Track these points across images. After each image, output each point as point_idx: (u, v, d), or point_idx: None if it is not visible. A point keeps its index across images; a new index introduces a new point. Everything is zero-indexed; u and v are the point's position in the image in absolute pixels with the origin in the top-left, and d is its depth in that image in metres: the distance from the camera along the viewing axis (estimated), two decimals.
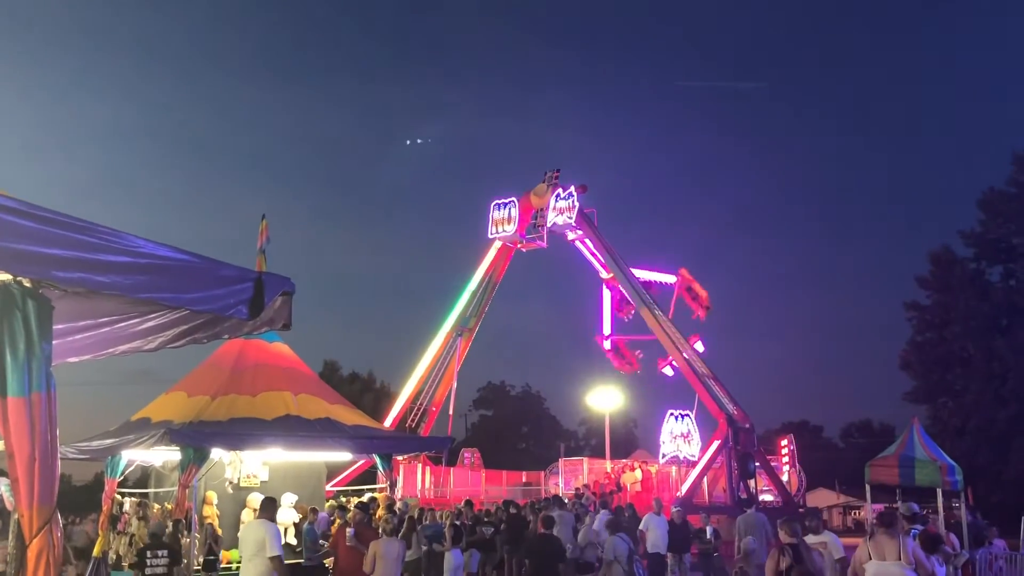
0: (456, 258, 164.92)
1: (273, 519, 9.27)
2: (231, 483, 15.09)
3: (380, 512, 13.64)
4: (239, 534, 11.18)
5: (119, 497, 15.05)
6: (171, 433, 12.42)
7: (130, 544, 13.83)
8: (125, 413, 15.74)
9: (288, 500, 14.99)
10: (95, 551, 13.79)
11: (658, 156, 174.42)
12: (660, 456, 34.54)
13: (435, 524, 14.92)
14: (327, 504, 16.69)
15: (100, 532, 14.02)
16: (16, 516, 3.74)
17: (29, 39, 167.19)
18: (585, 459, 37.21)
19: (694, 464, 32.46)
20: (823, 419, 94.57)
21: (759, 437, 35.45)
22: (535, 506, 17.21)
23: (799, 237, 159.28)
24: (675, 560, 15.22)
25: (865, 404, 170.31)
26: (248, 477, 15.25)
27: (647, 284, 37.40)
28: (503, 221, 37.94)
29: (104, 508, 14.09)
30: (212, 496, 14.46)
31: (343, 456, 17.87)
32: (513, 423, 75.71)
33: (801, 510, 30.90)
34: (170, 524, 12.66)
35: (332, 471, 23.80)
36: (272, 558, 8.53)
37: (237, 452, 14.46)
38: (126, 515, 14.69)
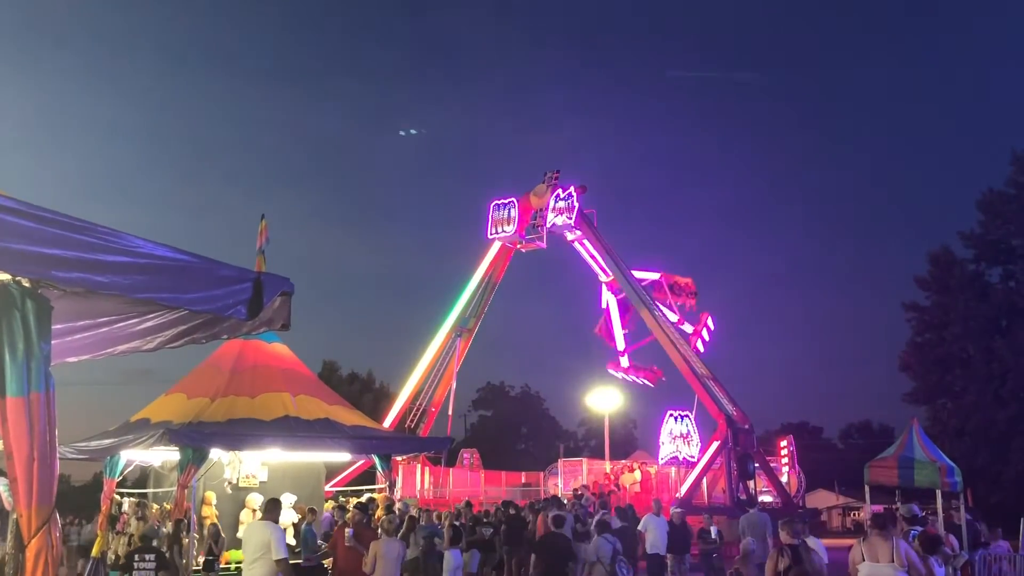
0: (456, 258, 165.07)
1: (277, 520, 9.27)
2: (230, 483, 15.08)
3: (379, 513, 13.64)
4: (243, 535, 11.17)
5: (118, 497, 15.07)
6: (170, 433, 12.42)
7: (128, 544, 13.82)
8: (124, 413, 15.77)
9: (287, 500, 14.98)
10: (94, 551, 13.80)
11: (658, 156, 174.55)
12: (659, 457, 34.59)
13: (431, 525, 14.90)
14: (327, 505, 16.69)
15: (99, 532, 14.04)
16: (15, 516, 3.74)
17: (29, 38, 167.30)
18: (584, 460, 37.22)
19: (693, 465, 32.49)
20: (823, 420, 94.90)
21: (758, 438, 35.51)
22: (534, 506, 17.20)
23: (798, 237, 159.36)
24: (675, 561, 15.20)
25: (865, 405, 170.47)
26: (247, 477, 15.24)
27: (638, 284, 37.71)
28: (503, 221, 37.99)
29: (103, 508, 14.10)
30: (211, 496, 14.46)
31: (342, 456, 17.86)
32: (512, 424, 75.73)
33: (800, 510, 30.99)
34: (169, 525, 12.66)
35: (331, 471, 23.79)
36: (278, 561, 8.53)
37: (236, 452, 14.46)
38: (125, 515, 14.71)
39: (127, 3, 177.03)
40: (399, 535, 11.55)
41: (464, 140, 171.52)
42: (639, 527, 15.11)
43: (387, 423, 32.86)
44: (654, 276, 38.64)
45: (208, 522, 13.85)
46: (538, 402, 78.09)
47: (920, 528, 11.14)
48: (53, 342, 3.88)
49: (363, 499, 15.10)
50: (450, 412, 39.02)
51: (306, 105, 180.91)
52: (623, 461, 37.29)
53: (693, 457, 33.34)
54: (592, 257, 38.45)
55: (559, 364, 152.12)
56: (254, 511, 14.13)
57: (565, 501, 19.15)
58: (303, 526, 13.86)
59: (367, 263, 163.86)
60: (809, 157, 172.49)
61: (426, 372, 38.30)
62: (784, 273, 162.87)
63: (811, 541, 10.50)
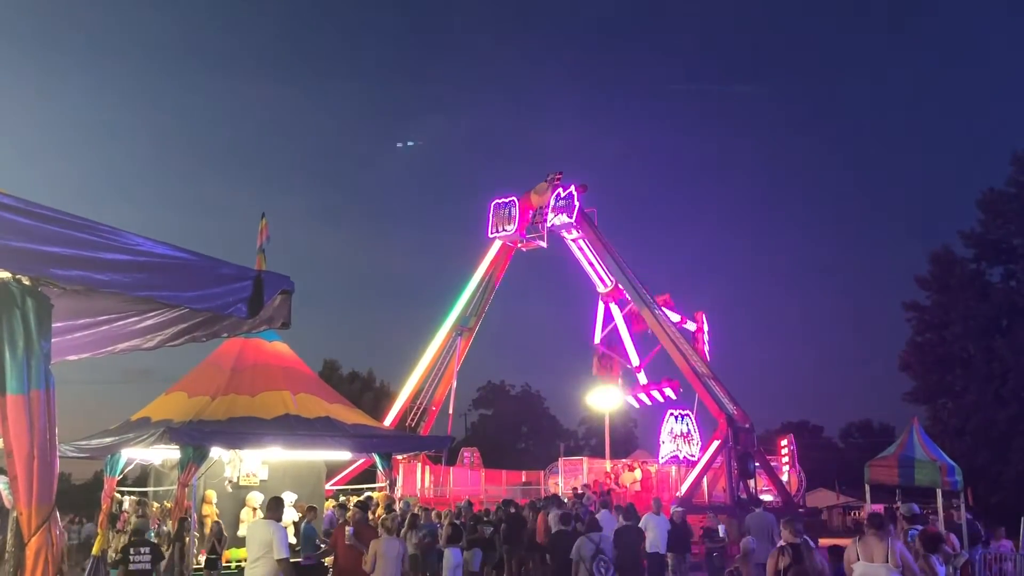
0: (456, 258, 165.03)
1: (280, 519, 9.27)
2: (230, 482, 15.09)
3: (379, 511, 13.64)
4: (246, 533, 11.18)
5: (118, 496, 15.07)
6: (170, 432, 12.42)
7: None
8: (125, 412, 15.78)
9: (288, 499, 14.98)
10: (94, 549, 13.80)
11: (658, 156, 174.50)
12: (660, 456, 34.58)
13: (429, 524, 14.90)
14: (328, 503, 16.69)
15: (99, 530, 14.04)
16: (15, 514, 3.74)
17: (29, 38, 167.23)
18: (585, 459, 37.14)
19: (694, 464, 32.46)
20: (823, 419, 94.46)
21: (759, 437, 35.43)
22: (535, 505, 17.19)
23: (798, 237, 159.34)
24: (676, 560, 15.19)
25: (865, 404, 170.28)
26: (247, 476, 15.25)
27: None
28: (503, 221, 37.94)
29: (103, 507, 14.10)
30: (211, 495, 14.46)
31: (343, 455, 17.87)
32: (513, 423, 75.66)
33: (801, 509, 30.98)
34: (169, 523, 12.66)
35: (332, 470, 23.81)
36: (279, 561, 8.53)
37: (236, 451, 14.46)
38: (125, 513, 14.71)
39: (127, 3, 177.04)
40: (400, 533, 11.55)
41: (464, 140, 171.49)
42: (639, 526, 15.10)
43: (388, 422, 32.84)
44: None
45: (209, 521, 13.85)
46: (538, 401, 78.03)
47: (920, 527, 11.13)
48: (53, 340, 3.88)
49: (363, 497, 15.10)
50: (451, 411, 39.00)
51: (306, 105, 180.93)
52: (623, 460, 37.27)
53: (693, 456, 33.34)
54: (591, 264, 38.33)
55: (559, 363, 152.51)
56: (254, 510, 14.14)
57: (565, 500, 19.14)
58: (303, 525, 13.87)
59: (367, 262, 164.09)
60: (809, 157, 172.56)
61: (427, 371, 38.26)
62: (784, 273, 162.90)
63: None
